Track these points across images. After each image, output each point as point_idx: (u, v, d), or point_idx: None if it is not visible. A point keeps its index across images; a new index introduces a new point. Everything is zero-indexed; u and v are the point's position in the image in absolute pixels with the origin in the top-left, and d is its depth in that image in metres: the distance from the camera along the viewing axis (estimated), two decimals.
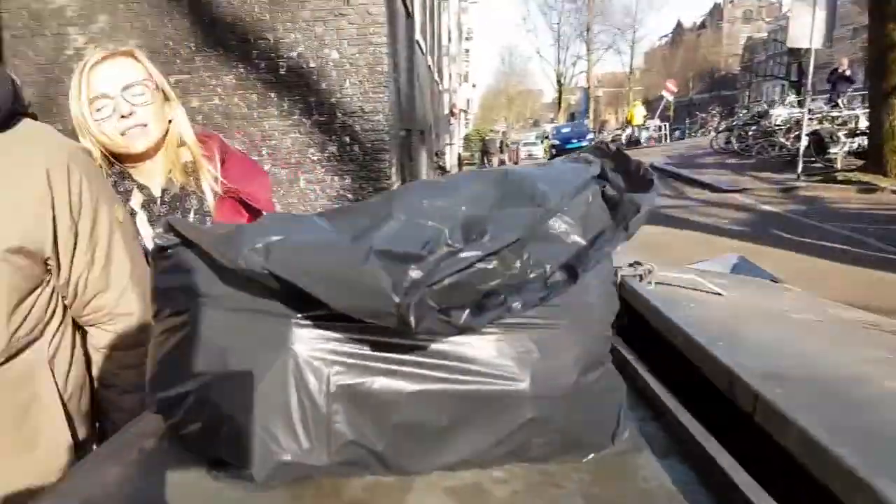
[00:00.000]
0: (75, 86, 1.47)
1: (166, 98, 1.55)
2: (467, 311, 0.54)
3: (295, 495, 0.58)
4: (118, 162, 1.51)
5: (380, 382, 0.56)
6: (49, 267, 1.18)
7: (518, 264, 0.59)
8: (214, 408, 0.59)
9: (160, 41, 6.70)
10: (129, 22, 6.68)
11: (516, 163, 22.74)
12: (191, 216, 1.54)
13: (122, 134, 1.46)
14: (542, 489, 0.60)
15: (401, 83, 8.32)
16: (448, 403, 0.58)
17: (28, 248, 1.12)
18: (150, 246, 1.46)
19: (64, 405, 1.21)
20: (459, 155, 25.81)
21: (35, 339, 1.18)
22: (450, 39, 25.86)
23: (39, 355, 1.18)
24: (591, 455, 0.65)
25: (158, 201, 1.54)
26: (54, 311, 1.22)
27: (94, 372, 1.31)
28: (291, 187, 6.97)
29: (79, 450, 1.21)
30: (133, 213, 1.51)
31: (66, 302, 1.24)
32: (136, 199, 1.53)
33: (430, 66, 14.64)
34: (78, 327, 1.29)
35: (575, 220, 0.65)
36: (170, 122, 1.55)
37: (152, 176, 1.55)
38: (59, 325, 1.23)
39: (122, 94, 1.46)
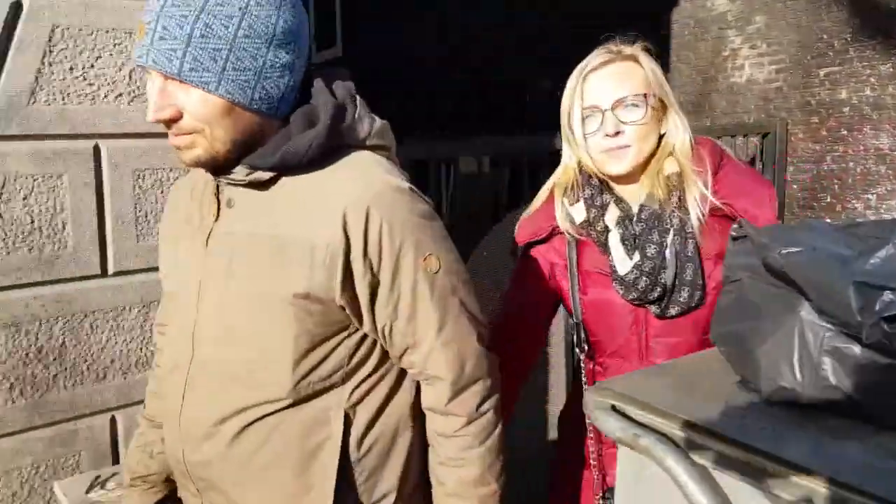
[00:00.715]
0: (570, 91, 1.44)
1: (664, 106, 1.45)
2: None
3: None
4: (601, 171, 1.46)
5: (855, 350, 0.80)
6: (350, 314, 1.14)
7: None
8: (746, 341, 0.92)
9: (815, 35, 6.74)
10: (785, 19, 6.91)
11: None
12: (669, 237, 1.40)
13: (605, 151, 1.42)
14: None
15: None
16: None
17: (317, 294, 1.10)
18: (621, 270, 1.41)
19: (352, 456, 1.17)
20: None
21: (334, 386, 1.16)
22: None
23: (338, 402, 1.16)
24: None
25: (634, 218, 1.44)
26: (364, 359, 1.18)
27: (428, 433, 1.24)
28: None
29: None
30: (606, 231, 1.45)
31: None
32: (612, 215, 1.46)
33: None
34: (403, 379, 1.24)
35: None
36: (662, 134, 1.46)
37: (633, 189, 1.48)
38: (371, 374, 1.19)
39: (613, 111, 1.39)
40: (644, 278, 1.39)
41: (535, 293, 1.57)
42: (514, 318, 1.60)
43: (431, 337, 1.14)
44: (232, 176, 1.13)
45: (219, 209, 1.18)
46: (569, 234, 1.50)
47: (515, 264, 1.64)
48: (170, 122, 1.08)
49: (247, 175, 1.12)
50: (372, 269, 1.10)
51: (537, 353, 1.72)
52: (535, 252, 1.57)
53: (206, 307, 1.18)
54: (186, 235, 1.24)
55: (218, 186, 1.18)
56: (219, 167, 1.14)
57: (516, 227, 1.60)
